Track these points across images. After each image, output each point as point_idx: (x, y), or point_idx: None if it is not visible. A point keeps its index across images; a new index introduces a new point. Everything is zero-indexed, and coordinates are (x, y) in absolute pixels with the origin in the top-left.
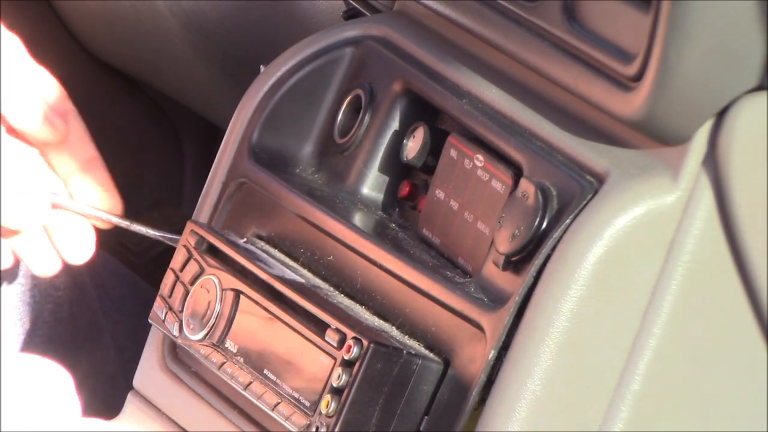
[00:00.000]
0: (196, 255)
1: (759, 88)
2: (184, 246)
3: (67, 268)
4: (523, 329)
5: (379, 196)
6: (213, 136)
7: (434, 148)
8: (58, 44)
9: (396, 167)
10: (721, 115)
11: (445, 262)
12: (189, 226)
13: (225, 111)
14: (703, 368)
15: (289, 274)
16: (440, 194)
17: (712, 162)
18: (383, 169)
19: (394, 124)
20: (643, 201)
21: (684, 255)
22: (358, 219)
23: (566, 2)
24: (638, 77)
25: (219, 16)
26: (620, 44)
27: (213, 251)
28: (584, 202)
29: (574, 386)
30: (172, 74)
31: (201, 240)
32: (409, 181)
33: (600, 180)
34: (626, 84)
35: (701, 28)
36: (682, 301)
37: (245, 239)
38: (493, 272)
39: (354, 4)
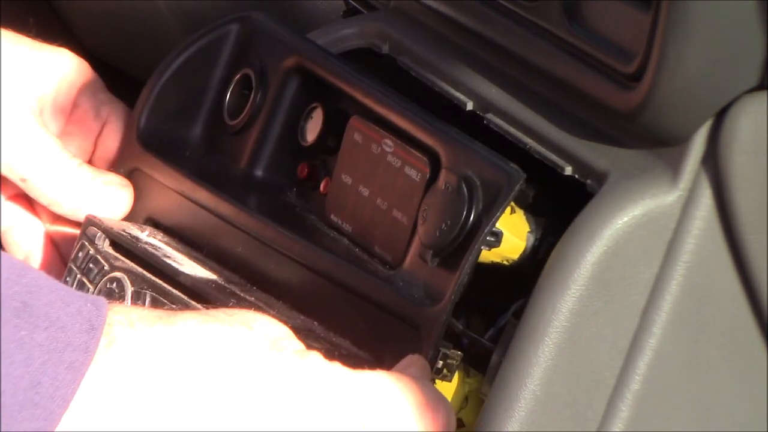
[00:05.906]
0: (95, 252)
1: (759, 87)
2: (84, 241)
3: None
4: (522, 329)
5: (275, 178)
6: None
7: (335, 128)
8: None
9: (291, 148)
10: (721, 114)
11: (361, 252)
12: (86, 219)
13: None
14: (703, 368)
15: (201, 272)
16: (347, 179)
17: (712, 162)
18: (278, 150)
19: (288, 104)
20: (643, 201)
21: (684, 255)
22: (258, 203)
23: (566, 2)
24: (638, 76)
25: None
26: (620, 43)
27: (116, 246)
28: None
29: (574, 386)
30: None
31: (101, 235)
32: (307, 162)
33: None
34: (626, 83)
35: (701, 27)
36: (682, 301)
37: (147, 232)
38: (420, 266)
39: (354, 3)
